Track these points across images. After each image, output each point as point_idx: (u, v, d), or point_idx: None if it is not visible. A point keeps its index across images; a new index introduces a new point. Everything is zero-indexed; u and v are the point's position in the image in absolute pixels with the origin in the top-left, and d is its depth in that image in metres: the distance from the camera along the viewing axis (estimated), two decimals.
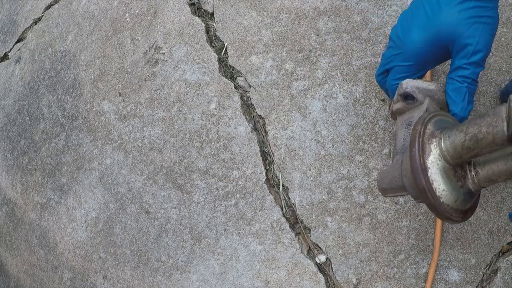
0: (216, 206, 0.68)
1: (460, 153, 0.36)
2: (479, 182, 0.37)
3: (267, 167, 0.66)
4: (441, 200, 0.36)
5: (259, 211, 0.65)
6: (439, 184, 0.36)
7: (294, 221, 0.64)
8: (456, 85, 0.42)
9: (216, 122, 0.69)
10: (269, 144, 0.66)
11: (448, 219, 0.38)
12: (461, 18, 0.41)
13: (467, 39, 0.41)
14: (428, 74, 0.59)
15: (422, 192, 0.37)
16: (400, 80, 0.46)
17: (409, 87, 0.44)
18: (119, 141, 0.78)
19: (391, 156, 0.59)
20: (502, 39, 0.57)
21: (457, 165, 0.37)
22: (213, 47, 0.72)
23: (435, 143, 0.37)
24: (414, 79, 0.45)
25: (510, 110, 0.30)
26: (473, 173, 0.37)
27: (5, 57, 1.05)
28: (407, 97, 0.45)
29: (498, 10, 0.42)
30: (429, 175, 0.36)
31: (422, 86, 0.44)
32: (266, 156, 0.66)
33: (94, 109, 0.82)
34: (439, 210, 0.37)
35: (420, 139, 0.37)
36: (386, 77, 0.49)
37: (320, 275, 0.61)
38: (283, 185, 0.64)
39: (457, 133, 0.36)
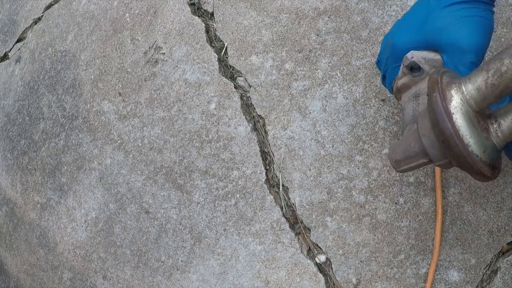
0: (216, 206, 0.68)
1: (484, 94, 0.32)
2: (503, 136, 0.34)
3: (267, 167, 0.66)
4: (470, 150, 0.32)
5: (259, 211, 0.65)
6: (465, 130, 0.32)
7: (294, 221, 0.64)
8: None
9: (216, 122, 0.69)
10: (269, 144, 0.66)
11: (479, 173, 0.34)
12: (450, 19, 0.40)
13: (457, 38, 0.40)
14: None
15: (450, 139, 0.32)
16: None
17: (415, 57, 0.43)
18: (119, 141, 0.78)
19: (400, 132, 0.57)
20: (502, 39, 0.57)
21: (481, 111, 0.34)
22: (213, 47, 0.72)
23: (455, 89, 0.33)
24: (419, 50, 0.44)
25: None
26: (495, 125, 0.34)
27: (5, 57, 1.05)
28: (413, 68, 0.44)
29: (498, 10, 0.42)
30: (454, 120, 0.32)
31: (428, 56, 0.43)
32: (266, 156, 0.66)
33: (94, 109, 0.82)
34: (469, 161, 0.32)
35: (439, 86, 0.34)
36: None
37: (320, 275, 0.61)
38: (283, 185, 0.64)
39: (478, 73, 0.33)
